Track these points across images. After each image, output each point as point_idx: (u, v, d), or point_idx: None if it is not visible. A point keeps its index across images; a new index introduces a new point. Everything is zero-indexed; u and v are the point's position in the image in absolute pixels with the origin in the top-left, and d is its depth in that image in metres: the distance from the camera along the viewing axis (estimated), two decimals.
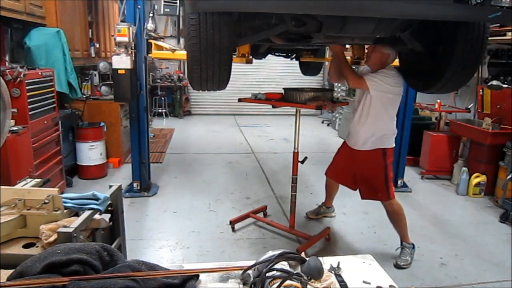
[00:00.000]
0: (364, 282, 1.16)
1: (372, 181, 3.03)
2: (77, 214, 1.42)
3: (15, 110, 3.01)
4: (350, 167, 3.18)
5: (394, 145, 3.03)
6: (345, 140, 3.27)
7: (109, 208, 1.57)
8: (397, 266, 2.96)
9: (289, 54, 4.42)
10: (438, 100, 5.35)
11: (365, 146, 2.99)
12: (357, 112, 3.00)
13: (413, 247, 3.08)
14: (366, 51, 3.90)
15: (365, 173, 3.08)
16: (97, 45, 5.59)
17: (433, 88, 2.56)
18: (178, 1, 4.45)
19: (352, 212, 4.01)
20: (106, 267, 1.01)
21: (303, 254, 1.12)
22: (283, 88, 3.13)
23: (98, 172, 4.83)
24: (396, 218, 3.06)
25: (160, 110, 9.26)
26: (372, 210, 4.09)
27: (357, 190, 3.24)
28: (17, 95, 3.25)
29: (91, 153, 4.71)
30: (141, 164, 4.27)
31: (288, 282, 0.97)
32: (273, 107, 3.10)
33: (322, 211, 3.86)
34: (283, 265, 1.03)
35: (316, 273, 1.04)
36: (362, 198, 3.16)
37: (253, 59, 3.42)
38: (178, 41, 6.01)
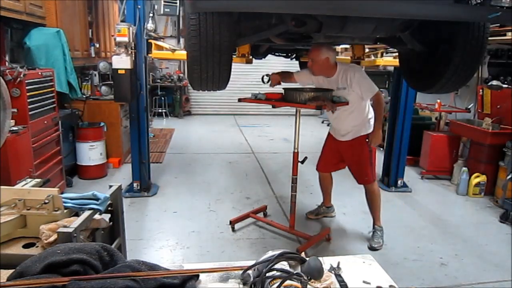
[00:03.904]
0: (364, 282, 1.16)
1: (359, 166, 3.26)
2: (77, 214, 1.42)
3: (15, 110, 3.00)
4: (337, 156, 3.41)
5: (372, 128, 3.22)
6: (330, 133, 3.47)
7: (109, 208, 1.57)
8: (372, 248, 3.19)
9: (289, 54, 4.43)
10: (438, 100, 5.35)
11: (351, 136, 3.22)
12: (339, 110, 3.09)
13: (382, 229, 3.36)
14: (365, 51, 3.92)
15: (353, 159, 3.29)
16: (97, 45, 5.59)
17: (433, 88, 2.56)
18: (178, 1, 4.46)
19: (352, 212, 4.00)
20: (106, 267, 1.01)
21: (303, 254, 1.12)
22: (283, 88, 3.13)
23: (98, 172, 4.83)
24: (374, 199, 3.33)
25: (160, 110, 9.25)
26: None
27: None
28: (17, 95, 3.25)
29: (91, 153, 4.71)
30: (141, 164, 4.27)
31: (288, 282, 0.97)
32: (273, 107, 3.10)
33: (322, 211, 3.86)
34: (283, 265, 1.04)
35: (316, 273, 1.04)
36: (359, 182, 3.34)
37: (253, 59, 3.42)
38: (178, 41, 6.02)
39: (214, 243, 3.31)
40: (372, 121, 3.20)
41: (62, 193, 1.42)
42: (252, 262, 1.07)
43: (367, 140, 3.17)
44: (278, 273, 1.00)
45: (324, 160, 3.56)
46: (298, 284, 0.97)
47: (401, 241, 3.42)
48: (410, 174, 5.16)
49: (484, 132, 4.46)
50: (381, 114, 3.18)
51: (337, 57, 5.26)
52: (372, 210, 3.39)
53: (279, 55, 4.42)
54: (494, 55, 4.85)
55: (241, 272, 1.10)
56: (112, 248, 1.08)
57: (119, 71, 3.73)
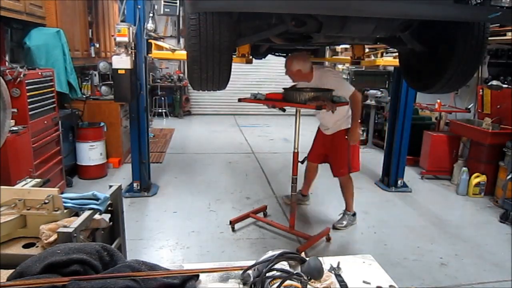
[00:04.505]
0: (364, 282, 1.16)
1: (337, 158, 3.51)
2: (77, 214, 1.42)
3: (15, 110, 3.00)
4: (323, 148, 3.65)
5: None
6: (319, 127, 3.69)
7: (109, 208, 1.57)
8: (334, 227, 3.56)
9: (289, 54, 4.42)
10: (438, 100, 5.35)
11: (332, 131, 3.49)
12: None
13: (354, 214, 3.66)
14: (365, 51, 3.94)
15: (332, 151, 3.55)
16: (97, 45, 5.59)
17: (433, 88, 2.56)
18: (178, 1, 4.46)
19: None
20: (106, 267, 1.01)
21: (303, 254, 1.12)
22: (283, 88, 3.14)
23: (98, 172, 4.83)
24: (348, 190, 3.61)
25: (160, 110, 9.25)
26: (372, 210, 4.10)
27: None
28: (17, 95, 3.25)
29: (91, 153, 4.71)
30: (141, 164, 4.27)
31: (288, 282, 0.97)
32: (273, 107, 3.10)
33: (298, 199, 3.93)
34: (283, 265, 1.04)
35: (316, 273, 1.04)
36: (334, 176, 3.59)
37: (253, 59, 3.42)
38: (178, 41, 6.02)
39: (214, 243, 3.31)
40: (348, 121, 3.40)
41: (62, 193, 1.42)
42: (252, 262, 1.07)
43: (346, 135, 3.39)
44: (278, 273, 1.00)
45: (314, 152, 3.76)
46: (298, 284, 0.97)
47: (401, 241, 3.42)
48: (410, 174, 5.16)
49: (484, 132, 4.46)
50: (357, 112, 3.34)
51: (337, 57, 5.28)
52: (345, 198, 3.64)
53: (279, 55, 4.42)
54: (494, 55, 4.85)
55: (241, 272, 1.10)
56: (112, 248, 1.08)
57: (119, 71, 3.73)
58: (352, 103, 3.23)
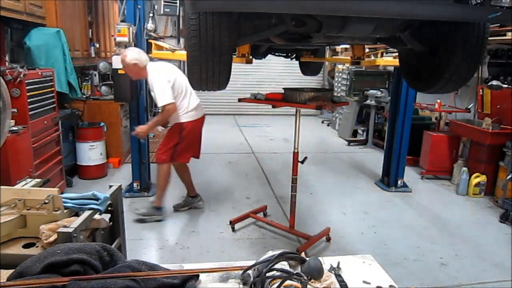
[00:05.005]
0: (364, 282, 1.16)
1: (161, 145, 3.74)
2: (77, 214, 1.42)
3: (15, 110, 3.01)
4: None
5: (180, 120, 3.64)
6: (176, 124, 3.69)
7: (109, 208, 1.56)
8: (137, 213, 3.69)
9: (289, 54, 4.42)
10: (438, 100, 5.35)
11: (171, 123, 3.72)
12: None
13: (159, 209, 3.70)
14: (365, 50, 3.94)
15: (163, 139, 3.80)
16: (97, 45, 5.59)
17: (433, 88, 2.55)
18: (178, 1, 4.45)
19: (352, 212, 4.01)
20: (106, 267, 1.01)
21: (303, 254, 1.12)
22: (283, 88, 3.13)
23: (98, 172, 4.83)
24: (159, 179, 3.69)
25: (160, 110, 9.23)
26: (372, 210, 4.10)
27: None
28: (17, 95, 3.25)
29: (91, 153, 4.71)
30: (141, 164, 4.28)
31: (288, 282, 0.97)
32: (273, 107, 3.10)
33: (190, 202, 3.99)
34: (283, 265, 1.04)
35: (316, 273, 1.04)
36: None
37: (253, 59, 3.42)
38: (178, 41, 6.01)
39: (214, 243, 3.31)
40: (185, 115, 3.60)
41: (62, 193, 1.42)
42: (252, 262, 1.07)
43: (180, 129, 3.59)
44: (278, 273, 1.00)
45: (180, 151, 3.73)
46: (298, 284, 0.97)
47: (401, 241, 3.42)
48: (410, 174, 5.16)
49: (484, 132, 4.46)
50: (158, 120, 3.63)
51: (337, 57, 5.26)
52: (157, 187, 3.80)
53: (279, 55, 4.41)
54: (494, 55, 4.85)
55: (241, 272, 1.10)
56: (112, 248, 1.08)
57: (119, 71, 3.74)
58: (161, 112, 3.52)
